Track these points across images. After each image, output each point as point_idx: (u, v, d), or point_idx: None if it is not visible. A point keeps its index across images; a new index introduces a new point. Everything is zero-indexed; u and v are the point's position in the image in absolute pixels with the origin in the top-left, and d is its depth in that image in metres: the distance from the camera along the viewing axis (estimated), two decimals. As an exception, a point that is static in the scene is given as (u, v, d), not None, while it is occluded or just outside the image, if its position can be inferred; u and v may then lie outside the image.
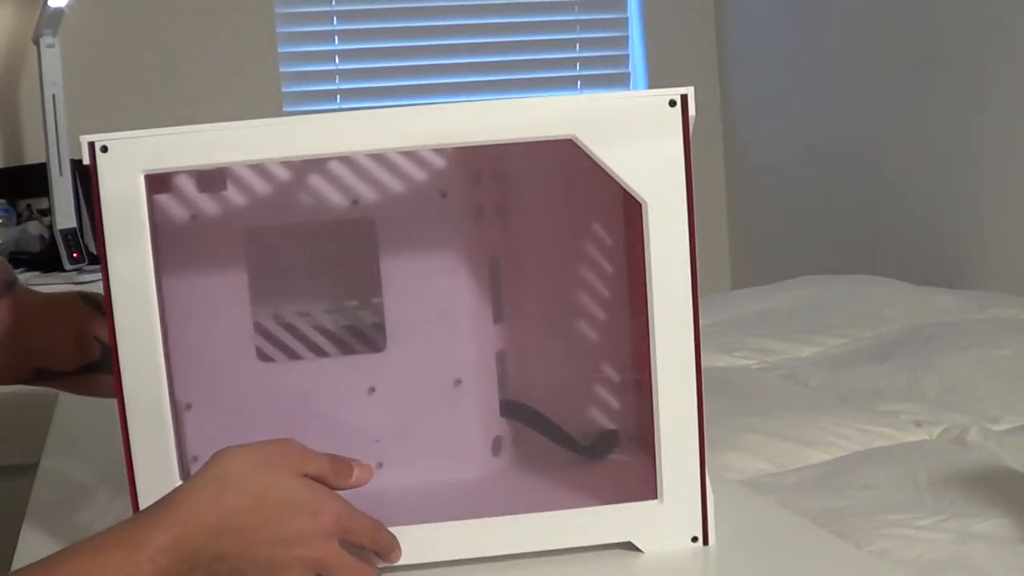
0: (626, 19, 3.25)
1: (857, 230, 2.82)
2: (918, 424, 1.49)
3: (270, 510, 0.71)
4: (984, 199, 2.42)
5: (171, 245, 0.85)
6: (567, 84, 3.21)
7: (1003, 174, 2.37)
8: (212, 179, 0.88)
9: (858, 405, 1.57)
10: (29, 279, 2.34)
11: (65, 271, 2.40)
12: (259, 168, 0.88)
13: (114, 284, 0.76)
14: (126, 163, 0.75)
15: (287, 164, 0.88)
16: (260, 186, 0.89)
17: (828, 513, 1.18)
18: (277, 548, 0.71)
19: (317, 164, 0.89)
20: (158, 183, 0.85)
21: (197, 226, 0.88)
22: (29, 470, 1.11)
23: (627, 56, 3.26)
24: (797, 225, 3.07)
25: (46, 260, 2.42)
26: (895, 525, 1.14)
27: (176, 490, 0.72)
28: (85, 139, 0.76)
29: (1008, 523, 1.13)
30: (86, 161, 0.76)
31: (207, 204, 0.88)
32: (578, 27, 3.21)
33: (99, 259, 0.77)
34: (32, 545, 0.86)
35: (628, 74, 3.26)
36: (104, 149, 0.75)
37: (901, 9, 2.62)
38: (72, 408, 1.34)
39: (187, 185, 0.87)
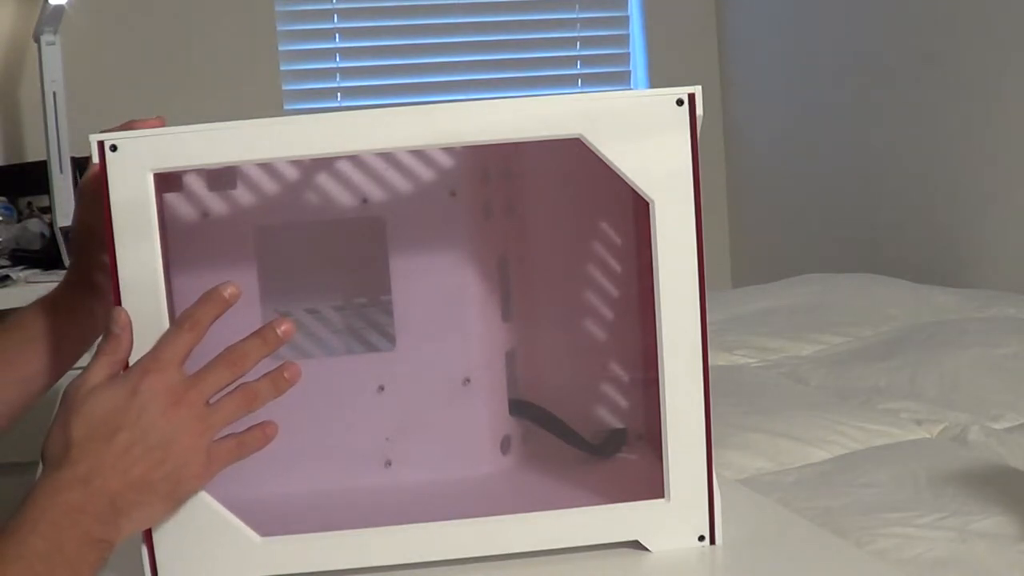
0: (627, 17, 3.25)
1: (858, 229, 2.83)
2: (919, 422, 1.50)
3: (100, 431, 0.73)
4: (985, 198, 2.43)
5: (180, 243, 0.86)
6: (568, 82, 3.22)
7: (1004, 173, 2.37)
8: (221, 178, 0.88)
9: (859, 403, 1.58)
10: (29, 277, 2.34)
11: (66, 269, 2.38)
12: (268, 167, 0.88)
13: (123, 282, 0.76)
14: (135, 162, 0.76)
15: (296, 163, 0.89)
16: (269, 185, 0.89)
17: (829, 512, 1.18)
18: (138, 458, 0.72)
19: (326, 163, 0.89)
20: (167, 182, 0.85)
21: (206, 225, 0.88)
22: (29, 468, 1.11)
23: (628, 54, 3.26)
24: (798, 224, 3.08)
25: (47, 258, 2.41)
26: (896, 523, 1.15)
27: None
28: (94, 138, 0.76)
29: (1009, 521, 1.13)
30: (95, 160, 0.76)
31: (216, 203, 0.88)
32: (579, 25, 3.21)
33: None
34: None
35: (629, 72, 3.27)
36: (113, 148, 0.75)
37: (901, 8, 2.62)
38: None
39: (196, 184, 0.88)
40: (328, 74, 3.07)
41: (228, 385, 0.76)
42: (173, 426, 0.74)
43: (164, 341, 0.76)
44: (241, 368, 0.76)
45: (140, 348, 0.76)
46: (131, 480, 0.73)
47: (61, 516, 0.71)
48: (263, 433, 0.78)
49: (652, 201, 0.78)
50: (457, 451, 0.91)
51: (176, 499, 0.76)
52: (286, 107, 2.99)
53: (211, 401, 0.76)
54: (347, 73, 3.07)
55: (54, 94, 2.41)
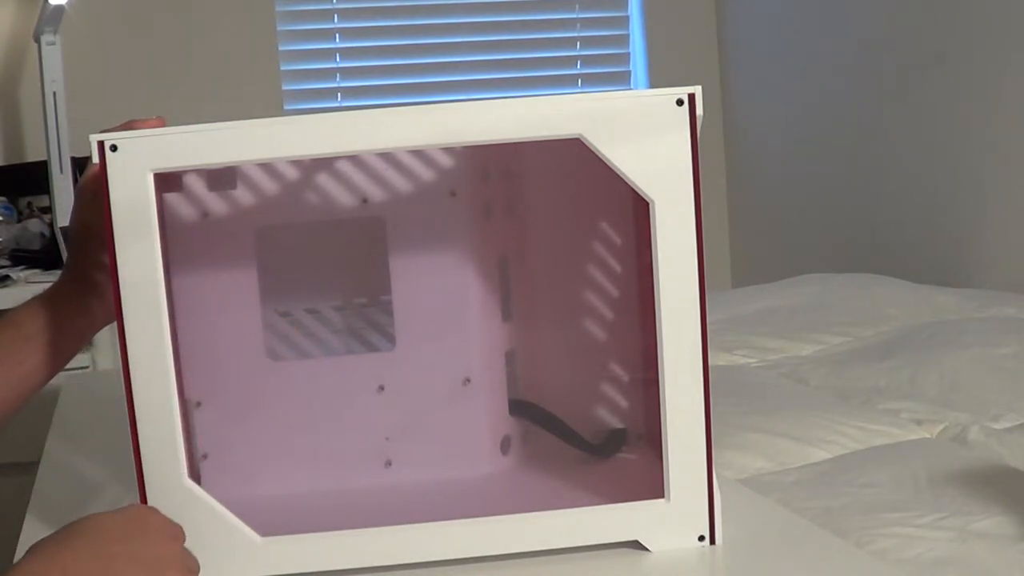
0: (627, 17, 3.25)
1: (858, 229, 2.83)
2: (919, 422, 1.50)
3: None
4: (985, 198, 2.43)
5: (181, 243, 0.86)
6: (568, 82, 3.22)
7: (1004, 173, 2.37)
8: (221, 178, 0.88)
9: (859, 403, 1.58)
10: (29, 277, 2.34)
11: (66, 268, 2.39)
12: (268, 167, 0.88)
13: (123, 282, 0.76)
14: (135, 162, 0.76)
15: (296, 163, 0.89)
16: (269, 185, 0.89)
17: (829, 512, 1.18)
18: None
19: (326, 163, 0.89)
20: (167, 182, 0.85)
21: (207, 225, 0.88)
22: (29, 468, 1.12)
23: (628, 54, 3.26)
24: (798, 224, 3.08)
25: (47, 258, 2.41)
26: (896, 524, 1.15)
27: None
28: (95, 138, 0.76)
29: (1009, 521, 1.13)
30: (95, 160, 0.76)
31: (216, 203, 0.88)
32: (579, 25, 3.21)
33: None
34: (34, 541, 0.85)
35: (629, 72, 3.27)
36: (113, 148, 0.75)
37: (901, 8, 2.62)
38: (74, 405, 1.35)
39: (197, 184, 0.88)
40: (328, 74, 3.07)
41: None
42: (168, 559, 0.74)
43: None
44: None
45: (142, 349, 0.76)
46: None
47: None
48: None
49: (652, 201, 0.78)
50: (457, 451, 0.91)
51: None
52: (286, 107, 2.99)
53: None
54: (347, 73, 3.07)
55: (54, 94, 2.41)
